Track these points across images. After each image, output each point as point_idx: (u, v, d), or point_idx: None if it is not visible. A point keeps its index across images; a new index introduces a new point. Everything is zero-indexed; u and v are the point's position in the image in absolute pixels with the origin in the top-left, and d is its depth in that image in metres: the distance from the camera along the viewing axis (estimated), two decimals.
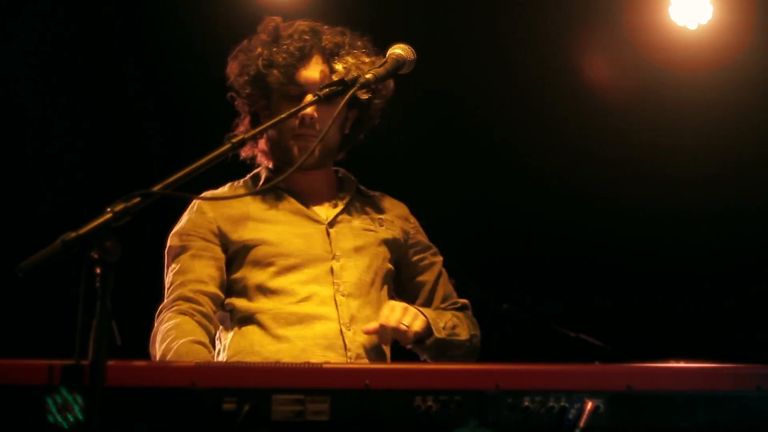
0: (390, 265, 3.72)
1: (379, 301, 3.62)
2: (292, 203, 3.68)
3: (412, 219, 3.90)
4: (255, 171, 3.81)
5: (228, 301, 3.57)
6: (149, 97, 6.46)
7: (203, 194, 3.60)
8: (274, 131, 3.66)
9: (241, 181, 3.80)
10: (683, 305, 6.56)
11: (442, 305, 3.82)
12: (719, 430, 2.48)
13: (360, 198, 3.81)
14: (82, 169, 6.39)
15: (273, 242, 3.58)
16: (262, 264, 3.56)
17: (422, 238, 3.89)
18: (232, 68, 3.72)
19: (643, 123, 6.55)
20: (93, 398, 2.22)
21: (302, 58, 3.59)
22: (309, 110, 3.51)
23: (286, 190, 3.69)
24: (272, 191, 3.69)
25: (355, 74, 3.42)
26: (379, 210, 3.82)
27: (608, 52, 6.55)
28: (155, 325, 3.44)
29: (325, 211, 3.72)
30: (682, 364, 2.61)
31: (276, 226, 3.62)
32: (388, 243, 3.73)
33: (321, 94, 3.20)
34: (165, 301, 3.50)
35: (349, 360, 3.44)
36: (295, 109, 3.27)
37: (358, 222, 3.73)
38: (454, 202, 6.54)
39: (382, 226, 3.75)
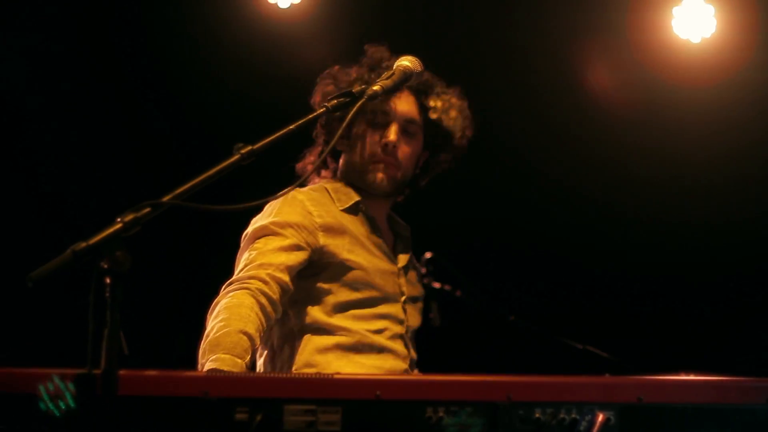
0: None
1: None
2: (375, 234, 3.77)
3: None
4: (326, 182, 3.84)
5: (308, 308, 3.59)
6: (158, 107, 6.49)
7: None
8: (355, 155, 3.76)
9: (315, 187, 3.82)
10: (693, 316, 6.56)
11: None
12: None
13: (393, 225, 3.92)
14: (93, 176, 6.40)
15: (366, 269, 3.64)
16: (352, 287, 3.61)
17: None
18: (322, 90, 3.77)
19: (646, 134, 6.57)
20: (106, 408, 2.23)
21: (396, 89, 3.54)
22: (393, 137, 3.69)
23: (367, 216, 3.77)
24: (356, 213, 3.76)
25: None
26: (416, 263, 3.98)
27: (611, 65, 6.57)
28: (222, 292, 3.41)
29: (392, 250, 3.84)
30: (692, 377, 2.61)
31: (368, 255, 3.69)
32: (421, 301, 3.92)
33: (329, 105, 3.15)
34: (239, 273, 3.46)
35: None
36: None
37: (413, 274, 3.90)
38: (460, 213, 6.55)
39: (421, 283, 3.95)
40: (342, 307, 3.58)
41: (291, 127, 3.13)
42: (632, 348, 5.83)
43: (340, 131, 3.09)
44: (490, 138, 6.64)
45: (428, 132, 3.81)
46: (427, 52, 3.47)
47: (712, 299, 6.54)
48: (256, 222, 3.61)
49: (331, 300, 3.58)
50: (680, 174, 6.53)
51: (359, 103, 3.14)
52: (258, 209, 3.60)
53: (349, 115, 3.11)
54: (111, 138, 6.49)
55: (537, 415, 2.42)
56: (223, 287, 3.43)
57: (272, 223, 3.56)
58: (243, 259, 3.52)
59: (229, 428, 2.33)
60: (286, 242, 3.52)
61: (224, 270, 3.63)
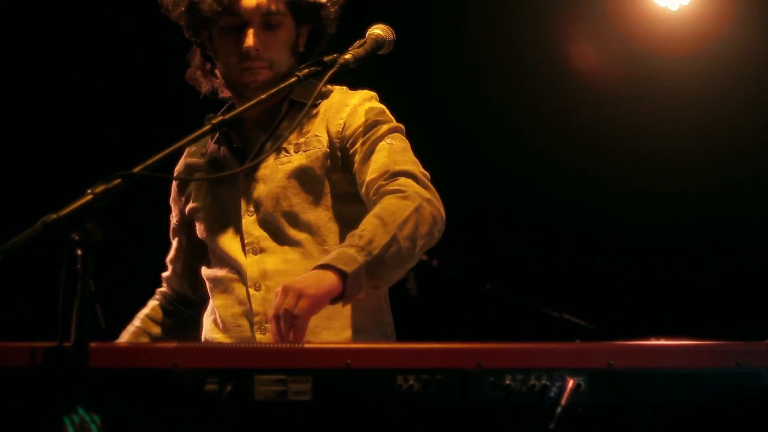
0: (313, 188, 3.37)
1: (311, 245, 3.35)
2: (225, 153, 3.50)
3: (350, 108, 3.41)
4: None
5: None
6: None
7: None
8: (222, 67, 3.44)
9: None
10: (665, 283, 6.59)
11: (376, 182, 3.23)
12: (699, 406, 2.49)
13: (292, 114, 3.44)
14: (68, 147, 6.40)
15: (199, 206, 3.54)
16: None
17: (357, 121, 3.38)
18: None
19: (624, 103, 6.57)
20: (76, 380, 2.23)
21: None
22: (250, 41, 3.31)
23: (227, 133, 3.48)
24: (214, 138, 3.54)
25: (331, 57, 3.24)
26: (305, 126, 3.44)
27: (589, 33, 6.56)
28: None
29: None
30: (662, 342, 2.61)
31: (209, 189, 3.51)
32: (300, 170, 3.37)
33: (300, 75, 3.15)
34: None
35: (257, 325, 3.29)
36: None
37: (272, 159, 3.42)
38: (437, 182, 6.54)
39: (297, 151, 3.40)
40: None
41: (262, 96, 3.14)
42: (608, 315, 5.88)
43: (311, 100, 3.09)
44: (469, 108, 6.67)
45: (295, 9, 3.40)
46: (405, 26, 3.44)
47: (686, 266, 6.57)
48: None
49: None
50: (657, 143, 6.53)
51: (331, 72, 3.15)
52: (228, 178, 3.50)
53: (321, 83, 3.12)
54: (85, 109, 6.46)
55: (507, 382, 2.42)
56: None
57: None
58: None
59: (200, 399, 2.34)
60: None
61: None
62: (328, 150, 3.38)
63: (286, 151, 3.40)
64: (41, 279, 3.98)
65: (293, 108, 3.44)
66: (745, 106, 6.39)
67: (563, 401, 2.42)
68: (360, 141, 3.33)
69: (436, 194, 3.21)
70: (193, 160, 3.60)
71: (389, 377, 2.40)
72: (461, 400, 2.41)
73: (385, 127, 3.35)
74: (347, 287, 2.90)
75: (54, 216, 2.33)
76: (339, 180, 3.38)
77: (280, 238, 3.35)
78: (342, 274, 2.89)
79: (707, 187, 6.45)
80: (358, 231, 3.00)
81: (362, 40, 3.30)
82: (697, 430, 2.48)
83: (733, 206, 6.45)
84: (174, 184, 3.64)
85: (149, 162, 2.67)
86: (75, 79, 6.37)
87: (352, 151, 3.35)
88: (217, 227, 3.45)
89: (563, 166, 6.61)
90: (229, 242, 3.40)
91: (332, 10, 3.46)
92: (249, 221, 3.38)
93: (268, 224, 3.37)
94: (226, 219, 3.43)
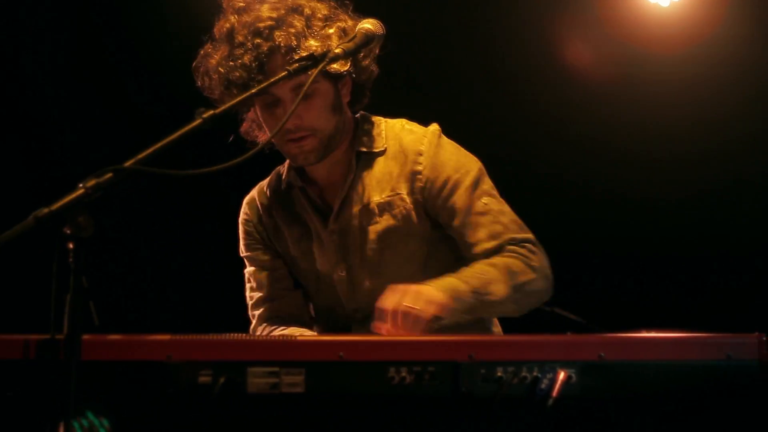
0: (406, 245, 3.44)
1: None
2: (307, 208, 3.53)
3: (427, 160, 3.44)
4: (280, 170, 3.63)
5: None
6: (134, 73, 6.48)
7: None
8: (270, 135, 3.37)
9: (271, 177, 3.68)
10: (656, 276, 6.60)
11: (481, 249, 3.34)
12: (690, 398, 2.50)
13: (364, 170, 3.48)
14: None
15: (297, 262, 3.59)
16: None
17: (439, 176, 3.42)
18: (201, 80, 3.45)
19: (618, 102, 6.55)
20: (68, 372, 2.24)
21: (261, 67, 3.27)
22: (289, 121, 3.21)
23: (304, 188, 3.53)
24: (290, 190, 3.58)
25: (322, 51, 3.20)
26: (384, 181, 3.46)
27: (579, 30, 6.54)
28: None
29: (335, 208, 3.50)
30: (652, 334, 2.62)
31: (297, 242, 3.56)
32: (387, 231, 3.43)
33: (291, 69, 3.09)
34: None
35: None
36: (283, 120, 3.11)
37: (356, 218, 3.46)
38: None
39: (383, 214, 3.44)
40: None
41: (252, 91, 3.11)
42: (599, 309, 5.88)
43: (298, 100, 3.08)
44: (461, 119, 6.65)
45: (326, 71, 3.25)
46: (391, 33, 3.42)
47: (677, 258, 6.58)
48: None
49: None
50: (647, 145, 6.52)
51: (321, 66, 3.12)
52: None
53: (309, 81, 3.10)
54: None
55: (499, 374, 2.44)
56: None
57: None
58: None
59: (193, 391, 2.35)
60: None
61: (190, 233, 3.63)
62: (412, 207, 3.43)
63: (373, 212, 3.44)
64: (34, 273, 3.97)
65: (362, 159, 3.47)
66: (738, 104, 6.37)
67: (554, 393, 2.43)
68: (451, 201, 3.41)
69: (545, 263, 3.43)
70: (274, 210, 3.62)
71: (381, 369, 2.41)
72: (453, 392, 2.43)
73: (469, 180, 3.45)
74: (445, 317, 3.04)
75: (46, 210, 2.32)
76: (426, 232, 3.45)
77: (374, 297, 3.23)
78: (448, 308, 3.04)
79: (698, 188, 6.45)
80: (477, 271, 3.19)
81: (352, 35, 3.29)
82: (687, 421, 2.49)
83: (723, 204, 6.45)
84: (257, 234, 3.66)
85: (140, 156, 2.65)
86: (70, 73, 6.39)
87: (444, 211, 3.41)
88: (314, 285, 3.56)
89: (554, 167, 6.60)
90: (325, 298, 3.55)
91: (365, 62, 3.43)
92: (341, 278, 3.47)
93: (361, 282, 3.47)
94: (318, 274, 3.53)
